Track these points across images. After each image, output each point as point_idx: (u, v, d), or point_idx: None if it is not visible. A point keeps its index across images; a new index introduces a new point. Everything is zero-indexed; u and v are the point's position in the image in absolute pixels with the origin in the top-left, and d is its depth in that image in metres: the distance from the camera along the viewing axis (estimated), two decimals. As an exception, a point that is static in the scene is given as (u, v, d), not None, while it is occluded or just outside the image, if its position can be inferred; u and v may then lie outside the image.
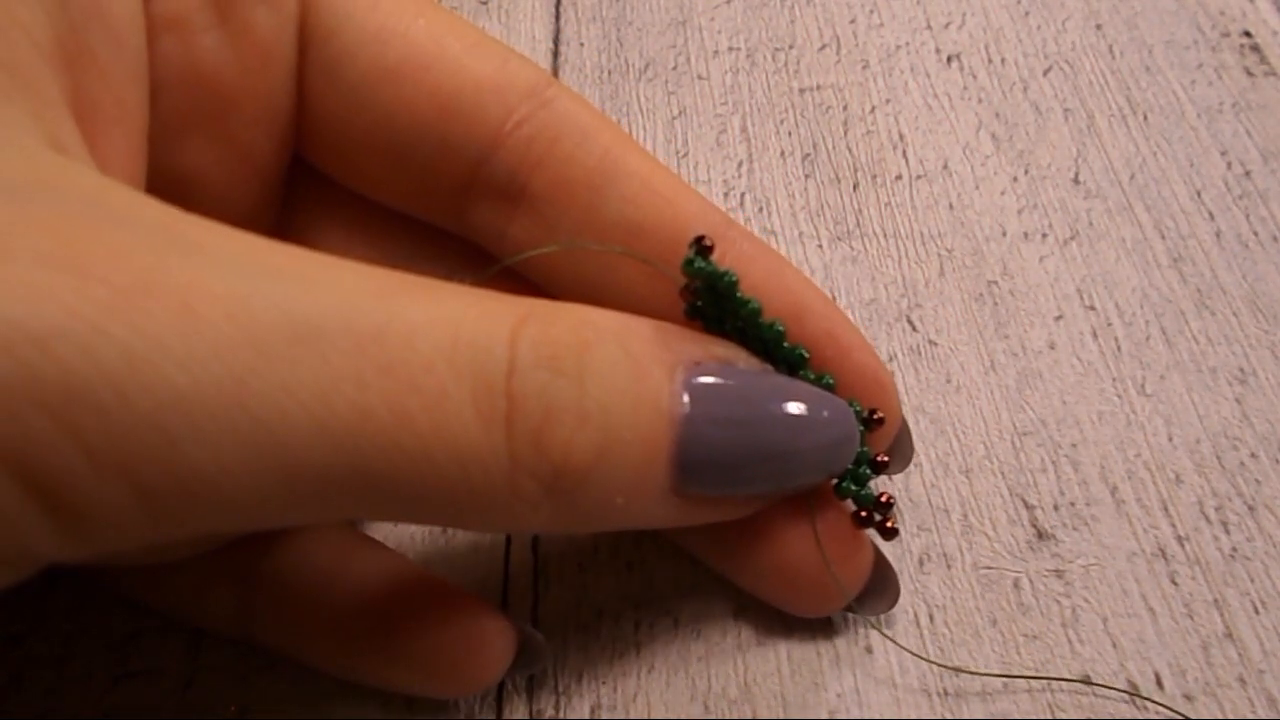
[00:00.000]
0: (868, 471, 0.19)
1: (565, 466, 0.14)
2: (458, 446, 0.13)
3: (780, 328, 0.17)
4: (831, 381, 0.18)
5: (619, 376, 0.15)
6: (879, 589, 0.19)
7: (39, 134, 0.13)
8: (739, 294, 0.17)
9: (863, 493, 0.18)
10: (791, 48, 0.30)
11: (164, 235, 0.12)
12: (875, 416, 0.19)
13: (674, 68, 0.30)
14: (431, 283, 0.14)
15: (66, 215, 0.12)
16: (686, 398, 0.15)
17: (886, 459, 0.19)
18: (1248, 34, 0.30)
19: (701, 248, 0.16)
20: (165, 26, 0.17)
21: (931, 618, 0.20)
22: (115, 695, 0.19)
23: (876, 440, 0.19)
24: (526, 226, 0.19)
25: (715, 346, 0.17)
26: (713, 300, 0.17)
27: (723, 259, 0.18)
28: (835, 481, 0.18)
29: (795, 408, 0.17)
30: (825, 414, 0.17)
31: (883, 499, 0.18)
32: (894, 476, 0.22)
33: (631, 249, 0.18)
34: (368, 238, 0.21)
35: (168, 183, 0.17)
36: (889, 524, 0.18)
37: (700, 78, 0.29)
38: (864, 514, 0.19)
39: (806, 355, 0.18)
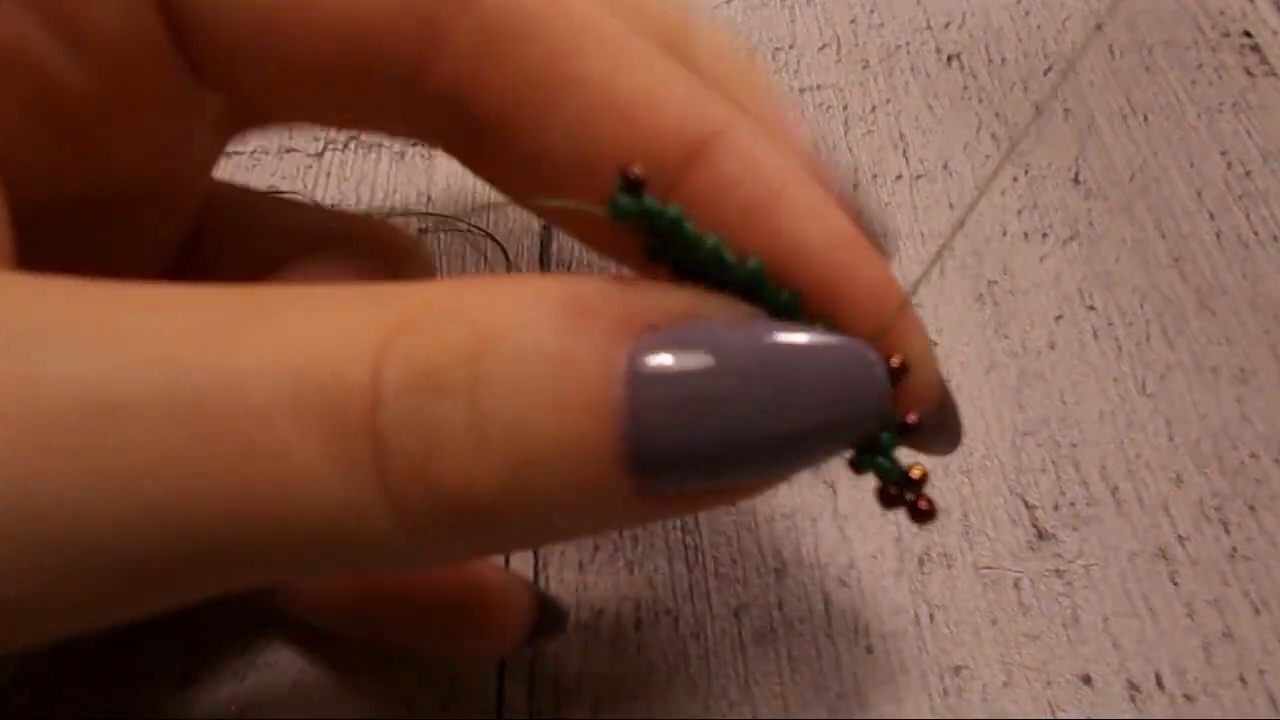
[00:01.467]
0: (893, 437, 0.14)
1: (469, 500, 0.11)
2: (317, 507, 0.11)
3: (755, 265, 0.13)
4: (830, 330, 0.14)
5: (530, 378, 0.11)
6: (941, 424, 0.16)
7: None
8: (688, 231, 0.13)
9: (887, 465, 0.14)
10: (791, 48, 0.30)
11: None
12: (896, 365, 0.14)
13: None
14: (283, 303, 0.12)
15: None
16: (634, 379, 0.12)
17: (916, 419, 0.14)
18: (1248, 34, 0.30)
19: (629, 184, 0.13)
20: (14, 73, 0.14)
21: (932, 617, 0.20)
22: (116, 695, 0.19)
23: (905, 400, 0.14)
24: (492, 153, 0.16)
25: (675, 298, 0.13)
26: (660, 247, 0.13)
27: (698, 180, 0.14)
28: (853, 453, 0.14)
29: (786, 365, 0.12)
30: (831, 367, 0.13)
31: (912, 473, 0.14)
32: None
33: (562, 195, 0.14)
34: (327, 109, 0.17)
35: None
36: (921, 504, 0.14)
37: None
38: (891, 492, 0.14)
39: (797, 298, 0.14)
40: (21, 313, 0.11)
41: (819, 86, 0.29)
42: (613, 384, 0.12)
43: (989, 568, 0.21)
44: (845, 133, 0.28)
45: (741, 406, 0.12)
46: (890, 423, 0.14)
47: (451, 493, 0.11)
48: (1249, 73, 0.29)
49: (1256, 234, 0.25)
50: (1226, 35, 0.30)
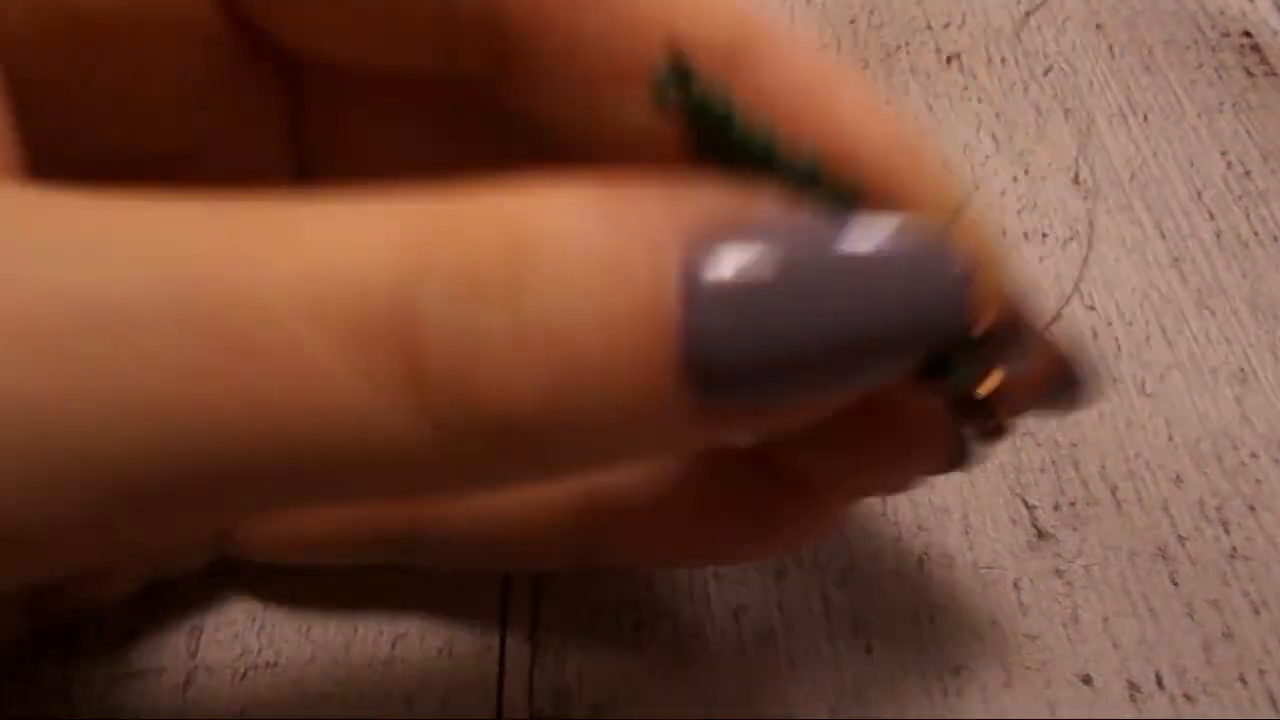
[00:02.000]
0: (966, 348, 0.12)
1: (512, 416, 0.11)
2: (346, 424, 0.10)
3: (811, 159, 0.12)
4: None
5: (576, 284, 0.11)
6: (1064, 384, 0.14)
7: None
8: (739, 123, 0.12)
9: (958, 378, 0.13)
10: (791, 48, 0.30)
11: None
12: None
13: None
14: (306, 213, 0.11)
15: None
16: (690, 282, 0.11)
17: (985, 329, 0.12)
18: (1248, 34, 0.30)
19: (677, 71, 0.11)
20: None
21: (932, 618, 0.20)
22: (115, 695, 0.19)
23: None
24: (525, 80, 0.14)
25: (730, 196, 0.12)
26: (710, 141, 0.12)
27: (743, 82, 0.12)
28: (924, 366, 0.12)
29: (858, 267, 0.11)
30: (904, 267, 0.11)
31: (985, 392, 0.13)
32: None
33: (600, 105, 0.13)
34: (398, 119, 0.17)
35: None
36: (993, 424, 0.13)
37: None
38: (962, 401, 0.13)
39: (855, 194, 0.12)
40: (20, 220, 0.10)
41: (819, 86, 0.29)
42: (667, 288, 0.11)
43: (989, 568, 0.21)
44: (845, 133, 0.28)
45: (809, 309, 0.11)
46: (966, 342, 0.12)
47: (493, 407, 0.10)
48: (1249, 73, 0.29)
49: (1256, 234, 0.25)
50: (1226, 35, 0.30)
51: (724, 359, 0.11)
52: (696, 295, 0.11)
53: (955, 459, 0.15)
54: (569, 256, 0.11)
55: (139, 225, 0.10)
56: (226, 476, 0.10)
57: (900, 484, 0.16)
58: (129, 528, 0.11)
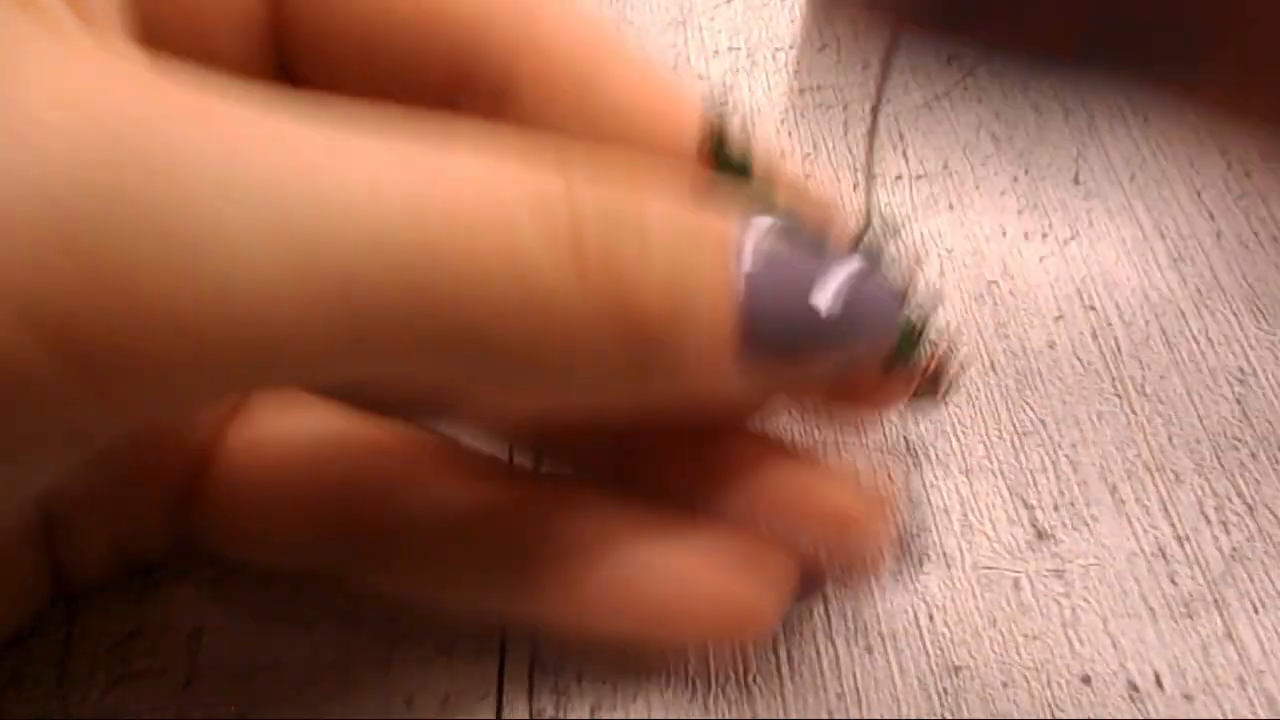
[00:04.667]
0: (916, 328, 0.17)
1: (639, 311, 0.13)
2: (523, 272, 0.12)
3: (772, 189, 0.17)
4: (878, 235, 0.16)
5: (682, 224, 0.13)
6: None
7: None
8: (757, 171, 0.17)
9: (912, 352, 0.17)
10: (791, 48, 0.30)
11: (177, 73, 0.11)
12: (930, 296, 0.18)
13: (674, 68, 0.30)
14: (467, 134, 0.13)
15: (68, 47, 0.11)
16: (746, 249, 0.14)
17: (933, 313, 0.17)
18: (1248, 34, 0.30)
19: (716, 124, 0.16)
20: None
21: (931, 618, 0.20)
22: (115, 695, 0.19)
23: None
24: (520, 114, 0.18)
25: (762, 207, 0.15)
26: (732, 177, 0.17)
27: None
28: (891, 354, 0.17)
29: (853, 268, 0.15)
30: (882, 271, 0.16)
31: (935, 361, 0.18)
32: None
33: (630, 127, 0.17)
34: None
35: None
36: (941, 383, 0.18)
37: (700, 78, 0.29)
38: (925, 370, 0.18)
39: (802, 215, 0.16)
40: (256, 93, 0.12)
41: (819, 87, 0.29)
42: (739, 251, 0.14)
43: (989, 568, 0.21)
44: (845, 133, 0.28)
45: (829, 295, 0.14)
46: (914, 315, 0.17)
47: (628, 298, 0.13)
48: (1249, 73, 0.29)
49: (1256, 234, 0.25)
50: (1226, 35, 0.30)
51: (764, 318, 0.14)
52: (750, 265, 0.14)
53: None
54: (674, 206, 0.14)
55: (362, 114, 0.12)
56: (424, 293, 0.12)
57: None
58: (335, 338, 0.12)
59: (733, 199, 0.15)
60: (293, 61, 0.18)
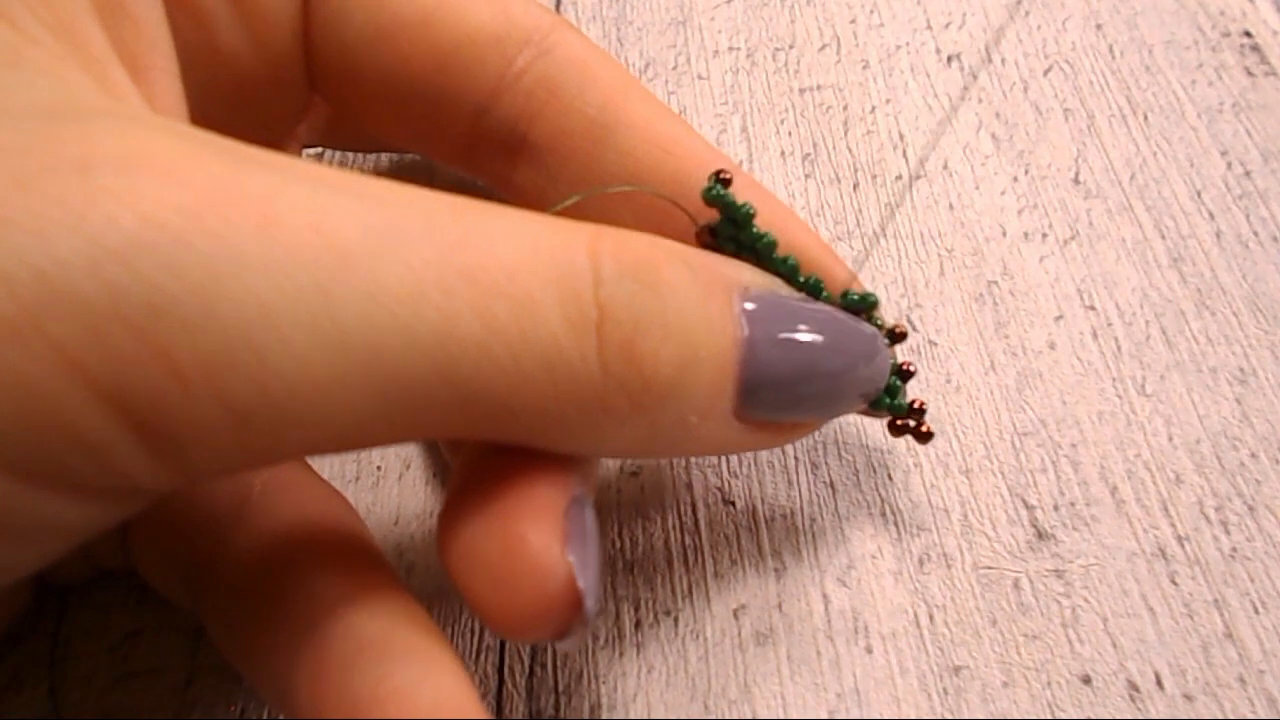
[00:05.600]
0: (898, 382, 0.19)
1: (653, 380, 0.14)
2: (547, 354, 0.13)
3: (794, 261, 0.18)
4: (861, 296, 0.18)
5: (691, 293, 0.15)
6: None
7: (97, 87, 0.13)
8: (755, 227, 0.17)
9: (897, 403, 0.19)
10: (791, 48, 0.30)
11: (235, 153, 0.12)
12: (899, 331, 0.19)
13: (674, 68, 0.30)
14: (499, 205, 0.14)
15: (139, 131, 0.12)
16: (745, 319, 0.15)
17: (913, 368, 0.19)
18: (1248, 34, 0.30)
19: (721, 179, 0.17)
20: (179, 11, 0.17)
21: (931, 618, 0.20)
22: (115, 695, 0.19)
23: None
24: (529, 175, 0.19)
25: (759, 274, 0.17)
26: (730, 234, 0.18)
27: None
28: (869, 404, 0.19)
29: (838, 329, 0.17)
30: (865, 332, 0.18)
31: (916, 405, 0.19)
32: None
33: (651, 188, 0.18)
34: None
35: None
36: (924, 429, 0.19)
37: (700, 78, 0.29)
38: (899, 422, 0.19)
39: (822, 283, 0.18)
40: (301, 169, 0.13)
41: (819, 86, 0.29)
42: (737, 320, 0.15)
43: (989, 568, 0.21)
44: (845, 133, 0.28)
45: (814, 353, 0.16)
46: (894, 370, 0.19)
47: (644, 367, 0.14)
48: (1249, 73, 0.29)
49: (1256, 234, 0.25)
50: (1226, 35, 0.30)
51: (759, 378, 0.15)
52: (748, 331, 0.15)
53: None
54: (686, 276, 0.15)
55: (382, 184, 0.13)
56: (453, 381, 0.13)
57: None
58: (369, 419, 0.13)
59: (732, 259, 0.17)
60: (323, 96, 0.20)
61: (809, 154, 0.27)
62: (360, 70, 0.18)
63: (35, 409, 0.10)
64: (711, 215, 0.18)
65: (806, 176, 0.27)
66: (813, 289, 0.18)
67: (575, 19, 0.31)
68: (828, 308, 0.17)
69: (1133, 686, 0.19)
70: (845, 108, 0.28)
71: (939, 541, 0.21)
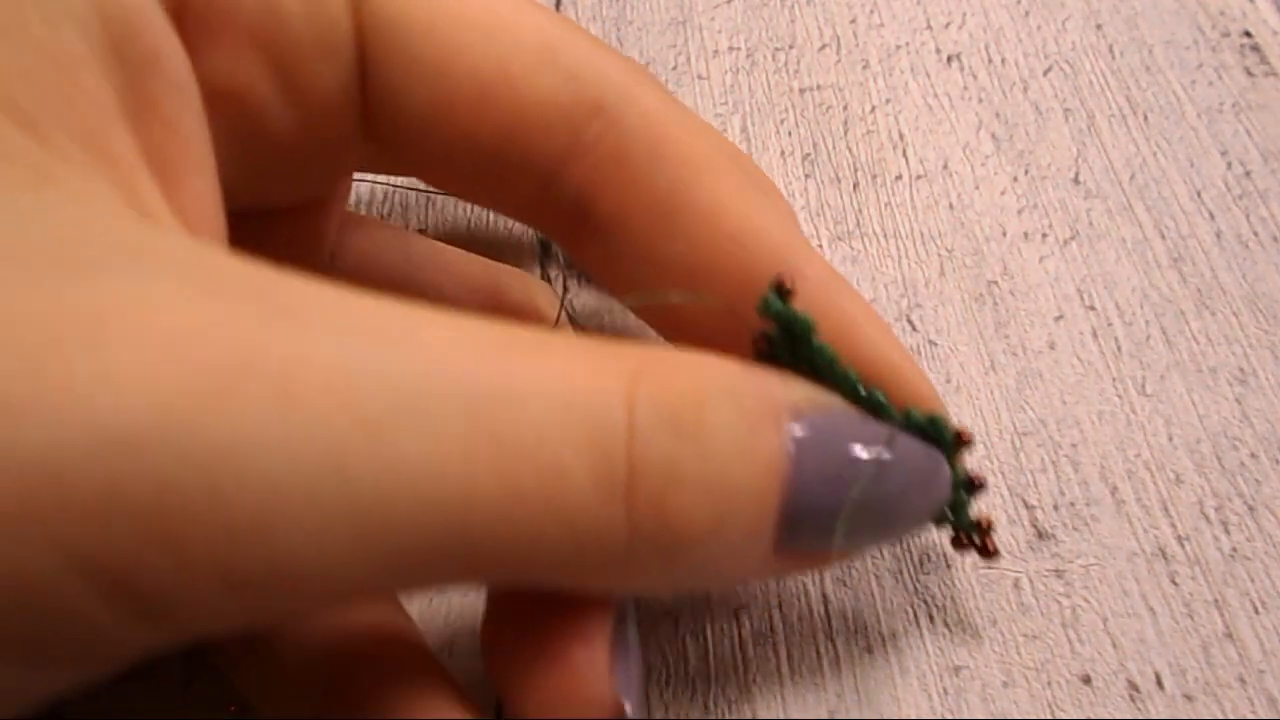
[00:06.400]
0: (965, 496, 0.18)
1: (685, 535, 0.13)
2: (572, 520, 0.12)
3: (854, 376, 0.16)
4: (922, 417, 0.17)
5: (736, 436, 0.13)
6: None
7: (120, 202, 0.13)
8: (815, 340, 0.16)
9: (962, 520, 0.18)
10: (791, 48, 0.30)
11: (258, 303, 0.12)
12: (964, 439, 0.17)
13: (674, 68, 0.30)
14: (538, 337, 0.13)
15: (157, 291, 0.11)
16: (793, 450, 0.14)
17: (983, 480, 0.18)
18: (1248, 34, 0.30)
19: (781, 290, 0.16)
20: (226, 96, 0.16)
21: (931, 618, 0.20)
22: (115, 695, 0.19)
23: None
24: (595, 250, 0.19)
25: (812, 392, 0.15)
26: (788, 345, 0.17)
27: (798, 302, 0.17)
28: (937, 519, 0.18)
29: (897, 452, 0.15)
30: (925, 454, 0.16)
31: (983, 523, 0.18)
32: None
33: (707, 295, 0.17)
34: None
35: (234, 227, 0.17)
36: (990, 547, 0.19)
37: (700, 78, 0.29)
38: (962, 540, 0.19)
39: (885, 400, 0.17)
40: (326, 311, 0.12)
41: (819, 86, 0.29)
42: (784, 455, 0.14)
43: (989, 568, 0.21)
44: (845, 133, 0.28)
45: (864, 481, 0.15)
46: (960, 484, 0.18)
47: (676, 525, 0.13)
48: (1249, 73, 0.29)
49: (1256, 234, 0.25)
50: (1226, 35, 0.30)
51: (803, 512, 0.14)
52: (796, 463, 0.14)
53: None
54: (732, 416, 0.13)
55: (412, 320, 0.12)
56: (472, 543, 0.12)
57: None
58: (379, 581, 0.12)
59: (787, 376, 0.15)
60: (380, 153, 0.19)
61: (809, 154, 0.27)
62: (421, 143, 0.18)
63: (34, 601, 0.10)
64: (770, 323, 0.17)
65: (806, 176, 0.27)
66: (874, 405, 0.16)
67: (575, 19, 0.31)
68: (887, 428, 0.16)
69: (1133, 686, 0.19)
70: (845, 108, 0.28)
71: (939, 541, 0.21)
